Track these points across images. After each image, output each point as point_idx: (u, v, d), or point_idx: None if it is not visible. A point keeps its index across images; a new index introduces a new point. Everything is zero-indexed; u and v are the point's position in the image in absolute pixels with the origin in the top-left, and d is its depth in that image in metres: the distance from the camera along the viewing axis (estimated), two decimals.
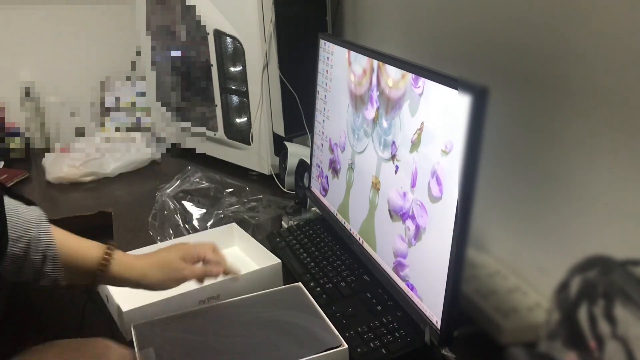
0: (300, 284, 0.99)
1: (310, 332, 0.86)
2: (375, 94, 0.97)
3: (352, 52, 1.05)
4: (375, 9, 1.35)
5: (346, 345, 0.83)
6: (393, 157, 0.92)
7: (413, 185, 0.86)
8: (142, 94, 1.84)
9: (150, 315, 0.91)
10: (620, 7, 0.72)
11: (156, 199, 1.32)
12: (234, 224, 1.20)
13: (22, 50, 1.84)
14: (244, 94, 1.48)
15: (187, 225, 1.26)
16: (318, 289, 1.01)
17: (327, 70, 1.16)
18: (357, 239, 1.06)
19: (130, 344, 0.85)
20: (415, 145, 0.85)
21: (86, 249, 0.83)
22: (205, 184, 1.37)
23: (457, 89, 0.74)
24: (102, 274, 0.82)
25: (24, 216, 0.78)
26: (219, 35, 1.46)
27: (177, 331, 0.88)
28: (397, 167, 0.91)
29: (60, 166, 1.59)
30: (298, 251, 1.14)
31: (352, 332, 0.89)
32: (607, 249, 0.71)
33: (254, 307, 0.93)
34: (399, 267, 0.92)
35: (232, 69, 1.49)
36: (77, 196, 1.53)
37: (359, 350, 0.85)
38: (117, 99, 1.89)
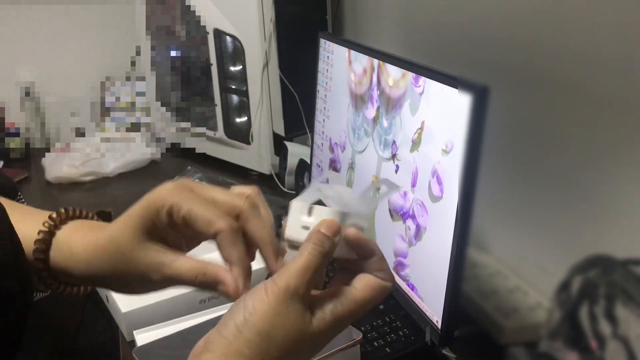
0: None
1: None
2: (375, 93, 0.97)
3: (352, 51, 1.04)
4: (375, 8, 1.35)
5: (360, 335, 0.82)
6: (393, 156, 0.92)
7: (413, 185, 0.86)
8: (142, 94, 1.84)
9: (150, 316, 0.91)
10: (624, 7, 0.72)
11: None
12: None
13: (22, 50, 1.84)
14: (243, 94, 1.47)
15: None
16: None
17: (327, 70, 1.15)
18: None
19: (131, 346, 0.85)
20: (415, 144, 0.85)
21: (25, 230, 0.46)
22: (205, 184, 1.37)
23: (457, 88, 0.74)
24: (44, 269, 0.45)
25: None
26: (219, 34, 1.45)
27: (181, 349, 0.86)
28: (397, 166, 0.91)
29: (59, 166, 1.59)
30: None
31: None
32: (608, 249, 0.71)
33: None
34: (399, 266, 0.91)
35: (232, 68, 1.49)
36: (77, 196, 1.53)
37: (362, 349, 0.85)
38: (117, 99, 1.89)
